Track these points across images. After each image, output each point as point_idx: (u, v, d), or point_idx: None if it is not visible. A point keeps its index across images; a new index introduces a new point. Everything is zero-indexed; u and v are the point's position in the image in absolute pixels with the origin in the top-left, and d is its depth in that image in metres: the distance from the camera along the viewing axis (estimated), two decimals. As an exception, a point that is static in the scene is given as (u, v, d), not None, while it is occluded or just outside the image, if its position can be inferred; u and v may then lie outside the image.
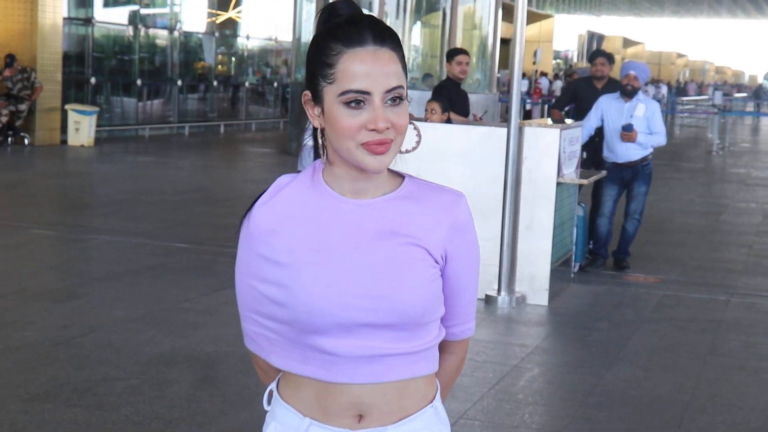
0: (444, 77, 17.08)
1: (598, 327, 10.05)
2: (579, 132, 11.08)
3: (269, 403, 2.59)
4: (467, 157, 10.66)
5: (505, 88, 34.14)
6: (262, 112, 34.62)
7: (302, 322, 2.39)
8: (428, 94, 16.37)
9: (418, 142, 2.73)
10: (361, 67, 2.31)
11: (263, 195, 2.51)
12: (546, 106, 37.92)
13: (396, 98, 2.36)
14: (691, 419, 7.50)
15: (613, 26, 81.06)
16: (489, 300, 10.46)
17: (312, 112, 2.44)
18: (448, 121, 11.14)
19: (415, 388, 2.52)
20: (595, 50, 15.40)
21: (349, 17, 2.40)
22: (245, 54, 35.15)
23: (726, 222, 17.62)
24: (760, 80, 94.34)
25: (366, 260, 2.40)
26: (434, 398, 2.57)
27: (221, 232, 13.79)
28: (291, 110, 26.50)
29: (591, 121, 12.04)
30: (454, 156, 10.67)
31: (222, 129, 31.10)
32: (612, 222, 12.42)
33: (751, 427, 7.47)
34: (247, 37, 35.09)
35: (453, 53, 13.15)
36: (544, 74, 48.46)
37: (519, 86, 10.69)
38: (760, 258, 13.81)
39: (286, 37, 34.59)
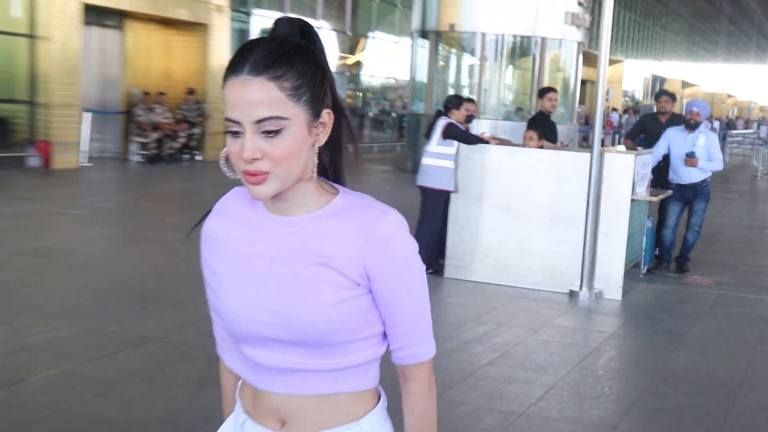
0: (534, 111, 16.90)
1: (664, 319, 9.83)
2: (649, 158, 11.03)
3: (238, 391, 2.37)
4: (557, 176, 10.58)
5: (582, 121, 33.75)
6: (382, 137, 34.22)
7: (228, 329, 2.19)
8: (521, 125, 16.37)
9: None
10: (231, 96, 1.98)
11: (218, 202, 2.30)
12: (616, 136, 37.29)
13: (271, 130, 1.96)
14: (744, 396, 7.32)
15: (673, 70, 79.53)
16: (572, 294, 10.28)
17: None
18: (541, 146, 10.85)
19: (336, 403, 2.17)
20: (660, 90, 15.20)
21: (249, 42, 2.04)
22: (368, 89, 34.20)
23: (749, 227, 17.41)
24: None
25: (275, 277, 2.10)
26: (362, 417, 2.20)
27: None
28: (407, 136, 26.17)
29: (659, 149, 11.94)
30: (546, 175, 10.62)
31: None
32: (675, 233, 12.23)
33: None
34: (371, 76, 33.93)
35: (545, 91, 13.01)
36: (614, 110, 47.89)
37: (601, 120, 10.43)
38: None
39: (401, 75, 34.18)
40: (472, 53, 24.19)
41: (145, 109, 21.58)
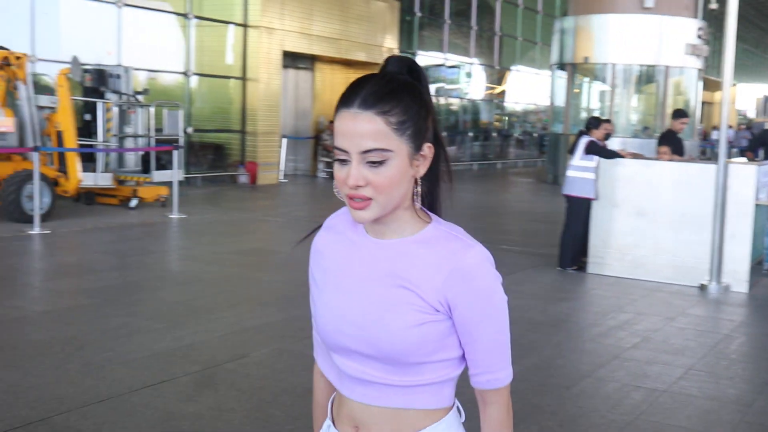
0: (660, 129, 16.60)
1: None
2: (760, 170, 10.50)
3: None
4: (686, 184, 10.31)
5: (701, 137, 32.73)
6: (524, 154, 33.96)
7: (320, 337, 2.08)
8: (648, 141, 15.98)
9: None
10: (341, 127, 1.86)
11: (326, 220, 2.15)
12: (732, 150, 36.05)
13: (374, 162, 1.85)
14: None
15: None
16: (702, 287, 9.96)
17: None
18: (671, 159, 10.67)
19: (407, 417, 2.00)
20: None
21: (361, 78, 1.92)
22: (512, 114, 34.13)
23: None
24: None
25: (363, 294, 1.97)
26: (443, 429, 2.03)
27: (503, 235, 13.29)
28: (547, 152, 25.93)
29: None
30: (676, 184, 10.33)
31: (498, 166, 30.62)
32: None
33: None
34: (515, 102, 33.72)
35: (679, 114, 12.74)
36: (730, 126, 46.02)
37: (725, 136, 10.09)
38: None
39: (540, 101, 33.89)
40: (604, 81, 23.86)
41: (330, 135, 21.78)
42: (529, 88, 34.38)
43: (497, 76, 32.25)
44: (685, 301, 9.33)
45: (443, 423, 2.01)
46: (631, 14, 22.40)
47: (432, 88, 26.39)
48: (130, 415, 5.26)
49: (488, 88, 31.56)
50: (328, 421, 2.13)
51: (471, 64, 29.99)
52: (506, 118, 33.71)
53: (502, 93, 32.86)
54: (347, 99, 1.86)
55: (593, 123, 10.79)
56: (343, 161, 1.87)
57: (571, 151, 10.67)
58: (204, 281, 9.39)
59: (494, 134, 31.88)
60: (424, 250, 1.93)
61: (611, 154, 10.53)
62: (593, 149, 10.46)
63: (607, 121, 10.99)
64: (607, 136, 10.80)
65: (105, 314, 7.63)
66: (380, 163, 1.84)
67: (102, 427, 5.02)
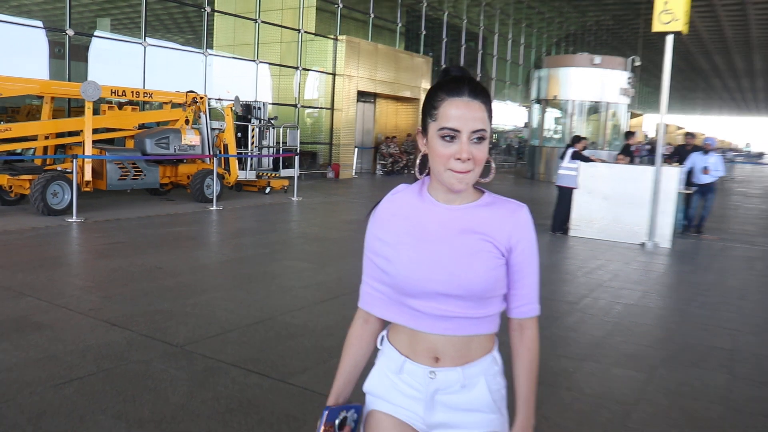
0: (602, 145, 17.02)
1: (695, 257, 9.76)
2: (679, 171, 10.70)
3: (380, 344, 1.85)
4: (635, 179, 10.44)
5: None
6: (508, 159, 33.81)
7: (399, 287, 1.71)
8: (598, 152, 16.01)
9: (492, 175, 1.79)
10: (455, 112, 1.62)
11: (387, 195, 1.84)
12: (642, 157, 35.61)
13: (480, 138, 1.64)
14: (749, 295, 7.18)
15: (672, 119, 75.17)
16: (643, 245, 10.14)
17: (420, 142, 1.73)
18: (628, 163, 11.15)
19: (478, 342, 1.75)
20: (687, 132, 14.71)
21: (455, 76, 1.68)
22: (496, 132, 33.57)
23: (733, 208, 16.42)
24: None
25: (447, 249, 1.68)
26: (493, 350, 1.79)
27: None
28: (527, 158, 25.88)
29: (687, 165, 11.76)
30: (629, 179, 10.49)
31: None
32: (696, 210, 11.87)
33: None
34: (502, 124, 33.57)
35: (631, 135, 13.21)
36: (647, 143, 45.34)
37: (661, 150, 10.20)
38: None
39: (518, 123, 33.77)
40: (566, 111, 24.00)
41: (385, 145, 21.93)
42: (511, 115, 34.38)
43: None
44: (634, 253, 9.54)
45: (495, 350, 1.81)
46: (585, 68, 22.52)
47: None
48: (317, 316, 5.53)
49: None
50: (400, 357, 1.77)
51: None
52: (494, 134, 33.41)
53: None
54: (455, 90, 1.65)
55: (576, 139, 11.00)
56: (451, 139, 1.64)
57: (562, 157, 10.97)
58: (330, 239, 9.42)
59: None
60: (490, 211, 1.73)
61: (588, 160, 10.86)
62: (576, 156, 10.74)
63: (585, 138, 11.32)
64: (584, 148, 11.17)
65: (277, 259, 7.83)
66: (481, 140, 1.65)
67: (306, 321, 5.31)
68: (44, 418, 3.46)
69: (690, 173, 11.95)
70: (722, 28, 38.16)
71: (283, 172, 14.82)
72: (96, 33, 20.99)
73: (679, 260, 9.43)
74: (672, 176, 10.23)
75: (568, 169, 10.73)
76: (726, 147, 64.16)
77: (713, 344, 5.36)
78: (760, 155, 75.38)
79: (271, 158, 14.94)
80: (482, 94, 1.66)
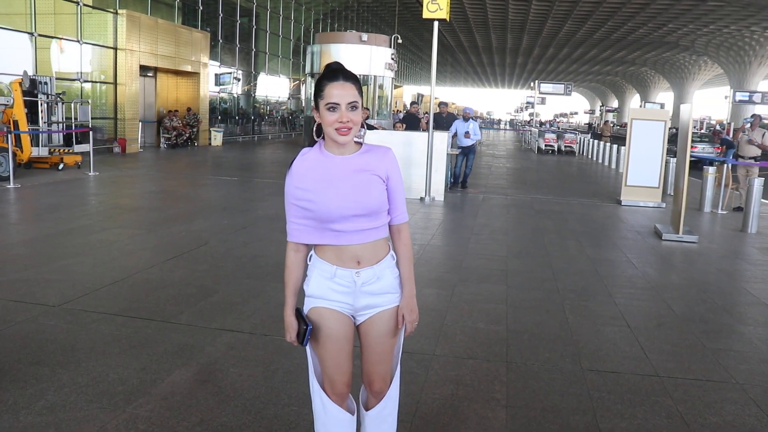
0: (373, 115, 17.99)
1: (464, 207, 10.96)
2: (446, 136, 11.98)
3: (310, 261, 2.27)
4: (413, 144, 11.47)
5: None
6: (282, 131, 33.05)
7: (322, 218, 2.14)
8: (382, 122, 16.83)
9: (363, 135, 2.31)
10: (335, 91, 2.10)
11: (298, 156, 2.22)
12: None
13: (353, 107, 2.12)
14: (511, 232, 8.54)
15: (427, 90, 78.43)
16: (422, 199, 11.21)
17: (316, 115, 2.16)
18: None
19: (381, 245, 2.24)
20: (440, 102, 15.99)
21: (333, 69, 2.16)
22: (267, 103, 32.51)
23: (486, 167, 18.02)
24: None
25: (350, 184, 2.15)
26: (390, 249, 2.30)
27: None
28: (304, 129, 26.51)
29: (452, 131, 13.25)
30: (407, 143, 11.47)
31: (255, 139, 27.42)
32: (460, 168, 13.38)
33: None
34: (266, 96, 32.13)
35: (414, 103, 14.16)
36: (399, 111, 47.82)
37: (432, 120, 11.40)
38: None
39: (283, 96, 33.84)
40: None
41: (168, 119, 21.41)
42: (280, 87, 34.09)
43: (255, 80, 30.85)
44: (416, 206, 10.64)
45: (391, 249, 2.31)
46: (354, 44, 23.81)
47: (216, 87, 25.93)
48: (170, 272, 5.91)
49: (246, 84, 29.61)
50: (330, 267, 2.21)
51: (233, 72, 26.87)
52: (263, 106, 31.75)
53: (254, 88, 30.54)
54: (334, 76, 2.13)
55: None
56: (333, 110, 2.10)
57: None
58: (145, 208, 9.38)
59: (252, 117, 29.79)
60: (370, 156, 2.22)
61: (372, 128, 11.74)
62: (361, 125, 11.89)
63: (366, 108, 12.14)
64: (367, 118, 11.87)
65: (104, 228, 7.80)
66: (355, 108, 2.14)
67: (162, 276, 5.67)
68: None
69: (454, 137, 13.55)
70: (464, 9, 42.00)
71: (77, 148, 14.26)
72: None
73: (452, 210, 10.69)
74: (442, 140, 11.61)
75: (360, 137, 11.70)
76: (476, 115, 70.25)
77: (491, 267, 6.72)
78: (498, 122, 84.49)
79: (62, 134, 14.30)
80: (352, 78, 2.15)
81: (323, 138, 2.20)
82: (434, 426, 3.27)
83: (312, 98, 2.23)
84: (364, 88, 25.20)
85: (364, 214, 2.15)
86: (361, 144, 2.25)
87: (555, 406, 3.55)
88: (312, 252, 2.27)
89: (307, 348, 2.31)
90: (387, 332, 2.29)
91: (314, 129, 2.23)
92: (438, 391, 3.67)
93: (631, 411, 3.54)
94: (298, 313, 2.29)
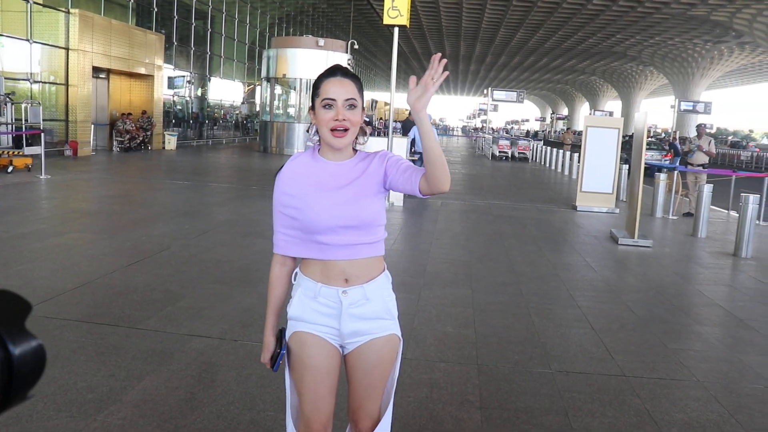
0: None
1: (423, 212, 10.93)
2: (406, 141, 12.14)
3: (294, 279, 2.09)
4: (368, 149, 11.53)
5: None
6: (235, 135, 32.74)
7: (308, 228, 1.96)
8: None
9: (367, 138, 2.15)
10: (332, 87, 1.94)
11: (287, 161, 2.07)
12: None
13: (351, 105, 1.95)
14: (465, 240, 8.76)
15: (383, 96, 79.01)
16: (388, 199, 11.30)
17: (312, 117, 2.01)
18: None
19: (374, 263, 2.02)
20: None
21: (332, 67, 2.01)
22: (220, 107, 31.66)
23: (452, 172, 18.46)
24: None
25: (342, 193, 1.96)
26: (385, 269, 2.07)
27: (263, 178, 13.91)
28: (260, 133, 26.06)
29: (410, 136, 13.37)
30: (371, 146, 11.46)
31: (210, 143, 27.98)
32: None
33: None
34: (219, 100, 31.83)
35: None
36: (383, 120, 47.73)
37: (392, 126, 11.60)
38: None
39: (238, 100, 33.68)
40: (295, 89, 25.19)
41: (122, 122, 21.02)
42: (233, 91, 33.38)
43: (201, 83, 29.93)
44: None
45: (386, 269, 2.09)
46: (311, 49, 23.92)
47: (170, 90, 25.55)
48: (133, 276, 5.82)
49: (198, 92, 29.10)
50: (315, 285, 2.01)
51: (188, 79, 26.47)
52: (217, 110, 31.25)
53: (206, 92, 30.06)
54: (331, 72, 1.99)
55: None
56: (329, 107, 1.94)
57: (308, 131, 11.95)
58: (103, 212, 9.18)
59: (206, 121, 29.31)
60: (365, 163, 2.00)
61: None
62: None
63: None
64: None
65: (62, 233, 7.64)
66: (354, 107, 1.96)
67: (126, 281, 5.59)
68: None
69: (413, 143, 13.66)
70: (419, 15, 42.37)
71: (27, 150, 13.85)
72: None
73: (412, 215, 10.78)
74: (401, 146, 11.78)
75: (313, 141, 11.67)
76: (433, 122, 70.56)
77: (455, 271, 6.82)
78: (452, 129, 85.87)
79: (11, 136, 13.89)
80: (351, 75, 1.99)
81: (319, 143, 2.06)
82: (411, 428, 3.29)
83: (312, 97, 2.06)
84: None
85: (354, 226, 1.96)
86: (355, 150, 2.08)
87: (528, 407, 3.61)
88: (298, 270, 2.10)
89: (286, 377, 2.10)
90: (377, 364, 2.04)
91: (312, 131, 2.25)
92: (413, 394, 3.70)
93: (601, 410, 3.63)
94: (281, 334, 2.12)
